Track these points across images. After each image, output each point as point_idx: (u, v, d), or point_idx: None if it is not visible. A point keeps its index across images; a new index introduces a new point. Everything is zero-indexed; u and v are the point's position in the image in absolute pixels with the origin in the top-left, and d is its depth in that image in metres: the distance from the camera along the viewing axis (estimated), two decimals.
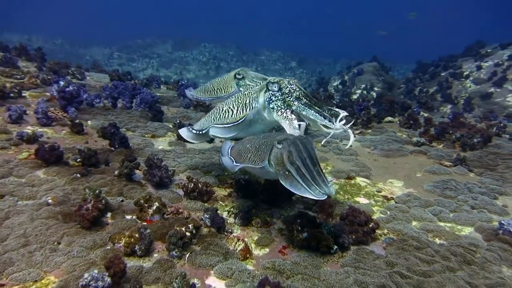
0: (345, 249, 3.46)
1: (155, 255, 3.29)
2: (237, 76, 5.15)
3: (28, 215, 3.65)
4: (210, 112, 4.67)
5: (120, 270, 2.76)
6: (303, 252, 3.36)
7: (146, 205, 3.83)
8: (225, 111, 4.31)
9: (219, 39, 36.82)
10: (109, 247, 3.31)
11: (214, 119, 4.41)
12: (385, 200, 4.64)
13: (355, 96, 21.10)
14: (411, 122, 7.76)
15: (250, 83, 5.07)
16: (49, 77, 10.32)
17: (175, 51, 34.34)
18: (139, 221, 3.77)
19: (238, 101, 4.27)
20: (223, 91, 5.26)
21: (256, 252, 3.42)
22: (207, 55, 33.88)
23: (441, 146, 6.94)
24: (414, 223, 4.19)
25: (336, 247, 3.39)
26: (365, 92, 22.27)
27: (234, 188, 4.47)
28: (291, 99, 3.92)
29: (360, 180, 5.17)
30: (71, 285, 2.74)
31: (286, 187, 3.14)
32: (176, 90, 11.63)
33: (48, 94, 8.84)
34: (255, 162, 3.45)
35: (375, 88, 22.30)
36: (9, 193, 4.03)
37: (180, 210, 3.91)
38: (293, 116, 3.88)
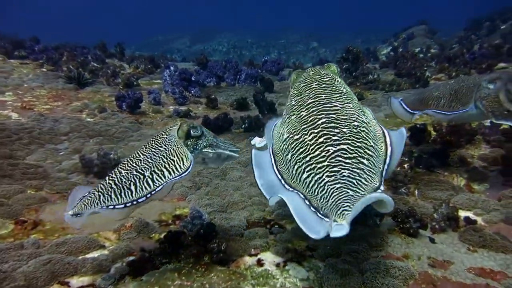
0: None
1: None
2: (193, 132, 2.48)
3: (240, 170, 3.90)
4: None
5: None
6: None
7: None
8: None
9: (233, 28, 34.79)
10: None
11: None
12: None
13: None
14: None
15: (212, 143, 2.55)
16: (149, 66, 10.73)
17: (193, 44, 32.93)
18: None
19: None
20: (164, 173, 2.26)
21: (476, 187, 3.38)
22: (226, 45, 32.52)
23: None
24: None
25: None
26: (421, 55, 21.26)
27: (409, 134, 4.44)
28: None
29: None
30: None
31: (508, 124, 2.99)
32: (261, 68, 11.51)
33: (156, 81, 9.20)
34: (453, 107, 3.24)
35: (432, 50, 21.19)
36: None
37: None
38: None
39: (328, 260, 2.42)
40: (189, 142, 2.45)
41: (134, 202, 2.13)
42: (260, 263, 2.46)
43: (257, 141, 4.63)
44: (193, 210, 2.68)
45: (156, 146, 2.37)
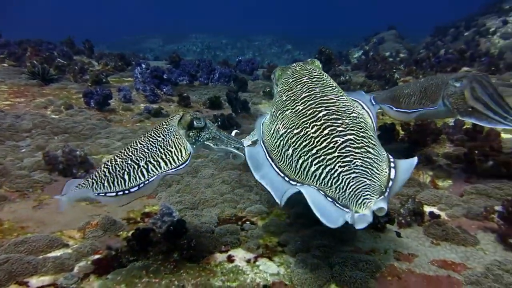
0: None
1: None
2: (196, 123, 2.33)
3: (212, 167, 3.87)
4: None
5: None
6: (493, 179, 3.35)
7: None
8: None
9: (208, 29, 34.08)
10: None
11: None
12: None
13: None
14: (493, 68, 7.68)
15: (216, 136, 2.42)
16: (120, 64, 10.44)
17: (166, 44, 32.01)
18: None
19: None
20: (160, 164, 2.16)
21: (440, 183, 3.52)
22: (200, 45, 31.78)
23: None
24: None
25: None
26: (391, 59, 21.96)
27: (379, 133, 4.56)
28: None
29: None
30: None
31: (471, 121, 3.20)
32: (235, 68, 11.46)
33: (127, 79, 8.97)
34: (423, 104, 3.43)
35: (401, 55, 21.94)
36: None
37: None
38: None
39: (298, 255, 2.44)
40: (191, 133, 2.34)
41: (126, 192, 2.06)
42: (230, 259, 2.44)
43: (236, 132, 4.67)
44: (163, 207, 2.62)
45: (155, 135, 2.27)
